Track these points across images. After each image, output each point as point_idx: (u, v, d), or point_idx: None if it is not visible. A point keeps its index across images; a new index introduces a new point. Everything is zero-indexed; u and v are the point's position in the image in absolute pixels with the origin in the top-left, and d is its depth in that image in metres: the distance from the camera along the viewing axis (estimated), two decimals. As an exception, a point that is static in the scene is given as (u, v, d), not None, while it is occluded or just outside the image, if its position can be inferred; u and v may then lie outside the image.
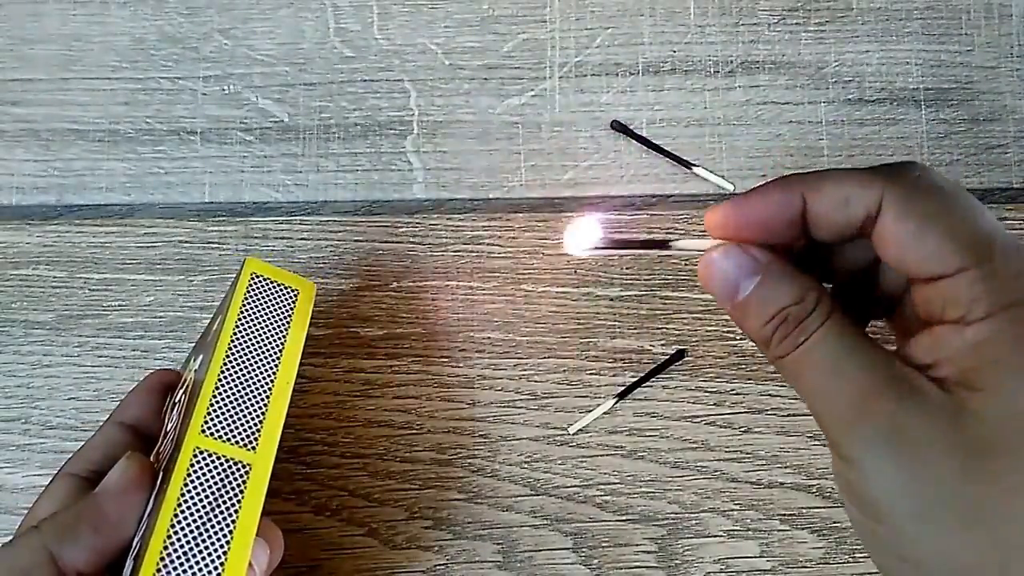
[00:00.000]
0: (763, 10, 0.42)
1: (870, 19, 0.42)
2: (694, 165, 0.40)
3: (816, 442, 0.38)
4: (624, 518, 0.38)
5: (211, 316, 0.37)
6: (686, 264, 0.40)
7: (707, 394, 0.38)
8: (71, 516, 0.27)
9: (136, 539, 0.27)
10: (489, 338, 0.39)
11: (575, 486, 0.38)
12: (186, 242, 0.40)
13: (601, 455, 0.38)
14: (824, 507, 0.37)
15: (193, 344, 0.38)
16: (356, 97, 0.41)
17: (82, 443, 0.32)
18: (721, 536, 0.37)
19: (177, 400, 0.32)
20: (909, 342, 0.23)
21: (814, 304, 0.23)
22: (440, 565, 0.37)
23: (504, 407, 0.38)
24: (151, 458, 0.30)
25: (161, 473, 0.28)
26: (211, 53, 0.42)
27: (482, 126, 0.41)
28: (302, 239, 0.40)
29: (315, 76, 0.41)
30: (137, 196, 0.41)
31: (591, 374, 0.39)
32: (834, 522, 0.37)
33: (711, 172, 0.40)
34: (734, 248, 0.24)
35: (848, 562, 0.37)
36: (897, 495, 0.21)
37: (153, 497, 0.27)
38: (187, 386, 0.31)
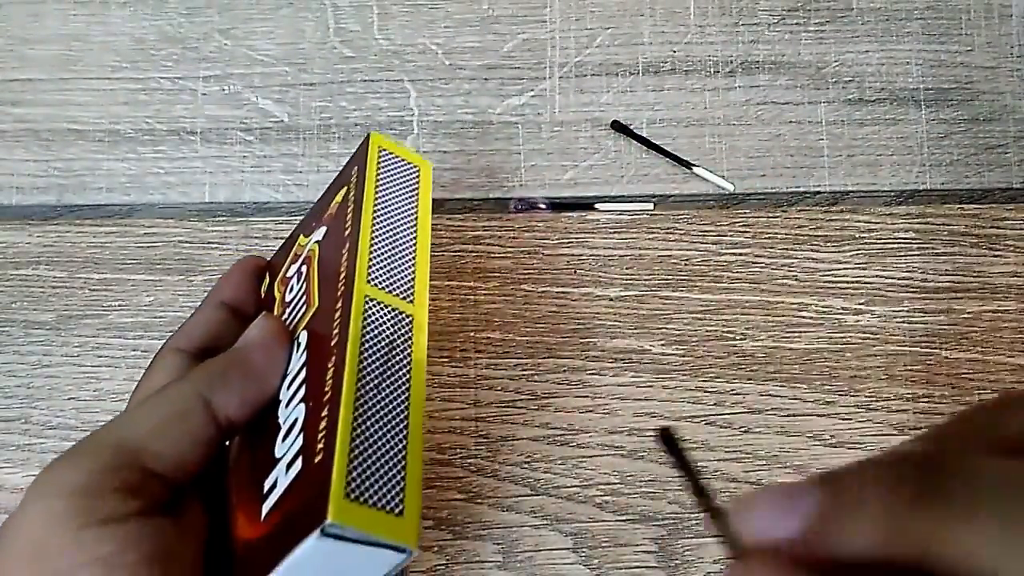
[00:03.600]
0: (763, 10, 0.42)
1: (870, 19, 0.42)
2: (694, 165, 0.40)
3: (816, 442, 0.38)
4: (624, 518, 0.38)
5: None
6: (686, 264, 0.40)
7: (707, 394, 0.38)
8: (221, 364, 0.27)
9: (289, 393, 0.27)
10: (489, 338, 0.39)
11: (575, 486, 0.38)
12: (186, 242, 0.40)
13: (601, 455, 0.38)
14: (824, 507, 0.37)
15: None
16: (356, 97, 0.41)
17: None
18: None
19: (291, 274, 0.32)
20: None
21: None
22: (440, 565, 0.37)
23: (504, 407, 0.38)
24: None
25: (305, 333, 0.29)
26: (211, 53, 0.42)
27: (482, 126, 0.41)
28: (302, 239, 0.40)
29: (315, 76, 0.41)
30: (137, 196, 0.41)
31: (591, 374, 0.39)
32: (834, 522, 0.37)
33: (711, 172, 0.40)
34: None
35: (848, 562, 0.37)
36: None
37: (301, 356, 0.28)
38: (305, 258, 0.32)
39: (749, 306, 0.39)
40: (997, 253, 0.40)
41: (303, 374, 0.27)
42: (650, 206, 0.40)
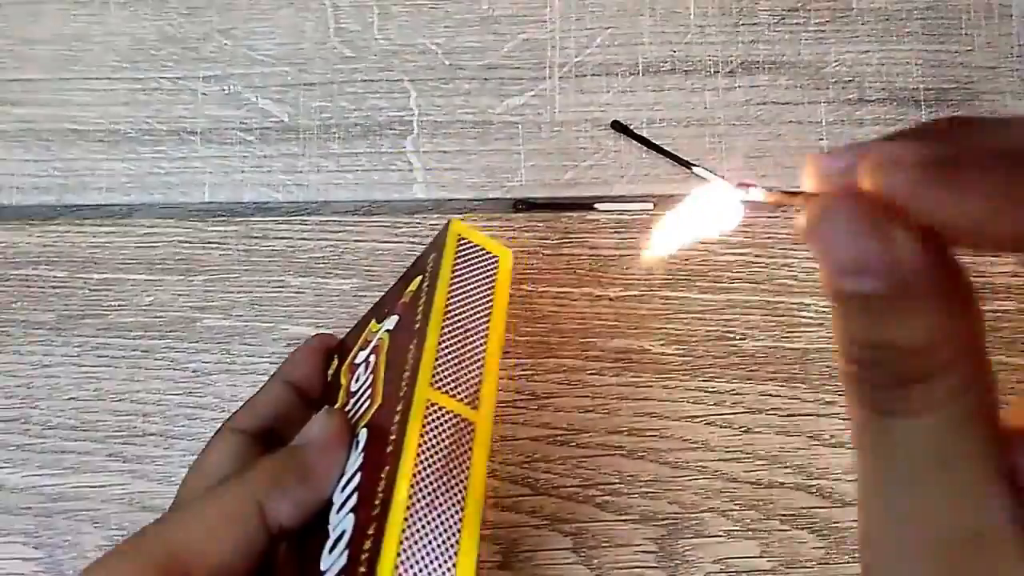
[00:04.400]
0: (763, 10, 0.42)
1: (870, 19, 0.42)
2: (694, 165, 0.40)
3: (816, 442, 0.38)
4: (624, 518, 0.38)
5: (382, 296, 0.35)
6: (686, 263, 0.40)
7: (707, 394, 0.38)
8: (278, 466, 0.26)
9: (341, 497, 0.26)
10: (489, 338, 0.39)
11: (575, 486, 0.38)
12: (186, 242, 0.40)
13: (601, 455, 0.38)
14: (824, 507, 0.37)
15: (363, 317, 0.37)
16: (356, 97, 0.41)
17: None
18: (721, 536, 0.37)
19: (360, 361, 0.31)
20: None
21: (951, 359, 0.14)
22: (440, 565, 0.37)
23: (504, 407, 0.38)
24: None
25: (365, 431, 0.27)
26: (211, 53, 0.42)
27: (482, 126, 0.41)
28: (302, 239, 0.40)
29: (315, 76, 0.41)
30: (137, 196, 0.41)
31: (591, 374, 0.39)
32: (834, 522, 0.37)
33: (711, 172, 0.40)
34: (867, 214, 0.14)
35: (848, 562, 0.37)
36: None
37: (358, 457, 0.26)
38: (375, 346, 0.31)
39: (749, 306, 0.39)
40: (997, 253, 0.40)
41: (358, 478, 0.26)
42: (650, 206, 0.40)
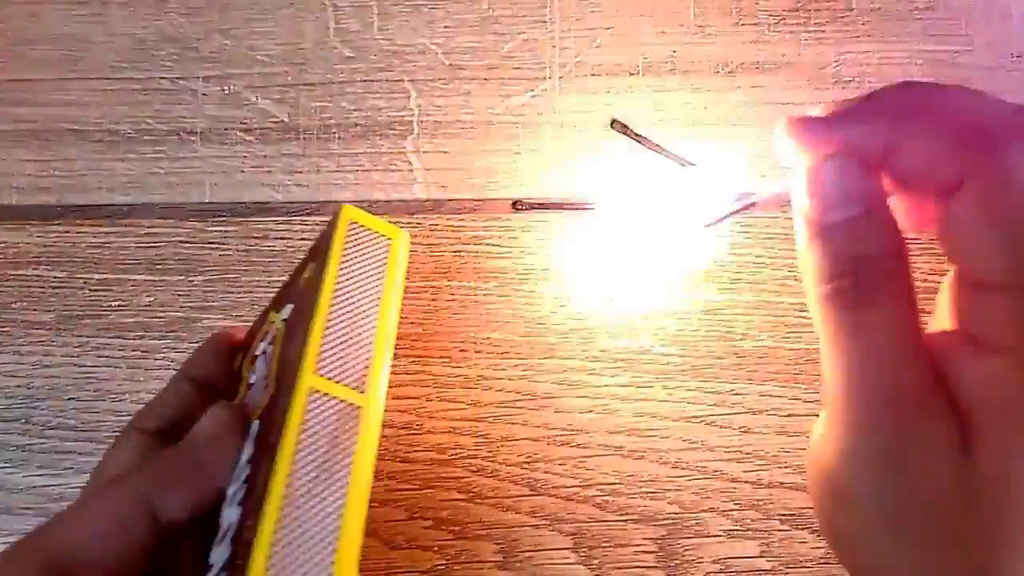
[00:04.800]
0: (763, 10, 0.42)
1: (870, 19, 0.42)
2: (694, 165, 0.40)
3: (816, 442, 0.38)
4: (624, 518, 0.38)
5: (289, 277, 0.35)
6: (686, 263, 0.40)
7: (707, 394, 0.38)
8: (166, 464, 0.26)
9: (232, 489, 0.26)
10: (489, 338, 0.39)
11: (575, 486, 0.38)
12: (186, 242, 0.40)
13: (601, 455, 0.38)
14: (824, 507, 0.37)
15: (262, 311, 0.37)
16: (356, 97, 0.41)
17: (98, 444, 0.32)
18: (721, 536, 0.37)
19: (259, 352, 0.31)
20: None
21: (898, 265, 0.20)
22: (440, 565, 0.37)
23: (504, 407, 0.38)
24: None
25: (257, 422, 0.27)
26: (211, 53, 0.42)
27: (482, 126, 0.41)
28: (302, 239, 0.40)
29: (315, 76, 0.41)
30: (137, 196, 0.41)
31: (591, 374, 0.39)
32: (834, 522, 0.37)
33: (711, 172, 0.40)
34: (853, 165, 0.21)
35: (848, 562, 0.37)
36: (877, 502, 0.20)
37: (250, 444, 0.26)
38: (273, 336, 0.31)
39: (749, 306, 0.39)
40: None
41: (248, 470, 0.26)
42: (650, 206, 0.40)
